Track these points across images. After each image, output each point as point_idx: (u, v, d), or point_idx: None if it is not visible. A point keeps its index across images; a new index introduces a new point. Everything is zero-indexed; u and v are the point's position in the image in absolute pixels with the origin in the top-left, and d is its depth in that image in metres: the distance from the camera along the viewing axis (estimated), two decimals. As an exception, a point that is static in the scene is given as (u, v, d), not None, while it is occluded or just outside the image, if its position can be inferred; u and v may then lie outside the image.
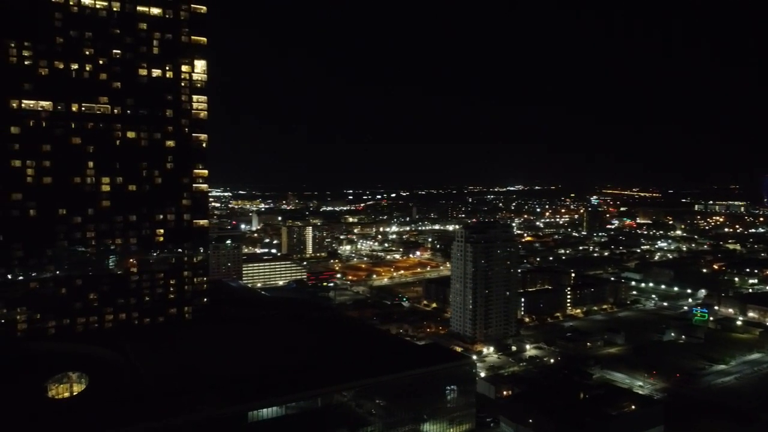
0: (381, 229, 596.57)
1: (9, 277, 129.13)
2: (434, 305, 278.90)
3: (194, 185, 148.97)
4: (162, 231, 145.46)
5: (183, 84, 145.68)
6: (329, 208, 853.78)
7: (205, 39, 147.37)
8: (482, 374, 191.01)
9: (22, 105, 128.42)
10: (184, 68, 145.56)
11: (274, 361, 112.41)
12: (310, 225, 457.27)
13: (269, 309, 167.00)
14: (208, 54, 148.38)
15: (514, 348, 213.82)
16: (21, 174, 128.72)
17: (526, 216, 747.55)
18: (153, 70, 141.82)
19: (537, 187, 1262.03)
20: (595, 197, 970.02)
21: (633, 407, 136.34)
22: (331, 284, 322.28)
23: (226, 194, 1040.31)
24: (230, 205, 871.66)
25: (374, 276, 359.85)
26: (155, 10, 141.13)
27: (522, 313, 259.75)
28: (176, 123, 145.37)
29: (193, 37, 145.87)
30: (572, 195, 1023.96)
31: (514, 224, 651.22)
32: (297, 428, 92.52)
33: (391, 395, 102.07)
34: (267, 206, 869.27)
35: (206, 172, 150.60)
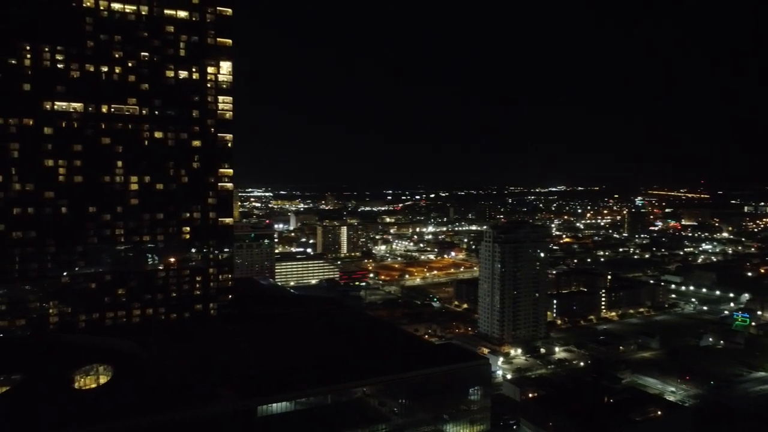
0: (417, 230, 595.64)
1: (42, 272, 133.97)
2: (465, 306, 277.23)
3: (219, 184, 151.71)
4: (188, 229, 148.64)
5: (209, 85, 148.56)
6: (367, 208, 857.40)
7: (230, 41, 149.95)
8: (509, 376, 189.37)
9: (55, 106, 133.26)
10: (210, 69, 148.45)
11: (289, 358, 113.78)
12: (345, 225, 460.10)
13: (293, 307, 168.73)
14: (235, 55, 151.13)
15: (543, 350, 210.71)
16: (53, 173, 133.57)
17: (565, 217, 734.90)
18: (180, 71, 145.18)
19: (580, 188, 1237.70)
20: (639, 198, 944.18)
21: (659, 413, 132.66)
22: (363, 284, 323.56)
23: (267, 194, 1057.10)
24: (270, 205, 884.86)
25: (407, 276, 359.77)
26: (182, 13, 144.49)
27: (554, 315, 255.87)
28: (202, 123, 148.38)
29: (218, 39, 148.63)
30: (615, 196, 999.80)
31: (552, 225, 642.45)
32: (307, 424, 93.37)
33: (403, 394, 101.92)
34: (306, 206, 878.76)
35: (231, 171, 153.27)
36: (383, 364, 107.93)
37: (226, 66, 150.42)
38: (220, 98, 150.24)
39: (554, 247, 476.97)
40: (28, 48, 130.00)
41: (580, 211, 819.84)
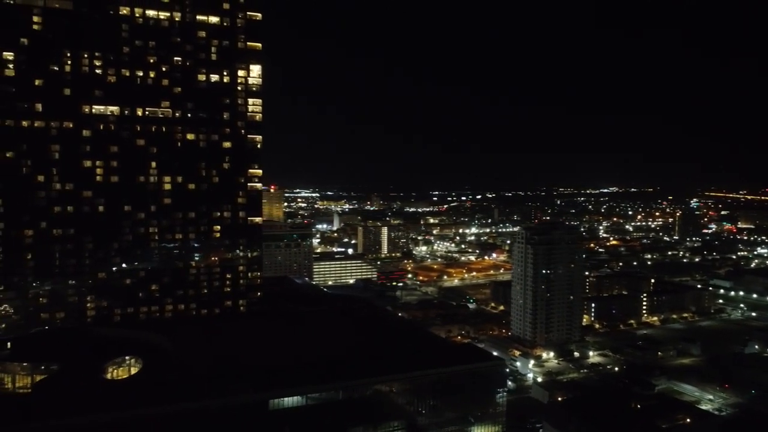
0: (460, 231, 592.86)
1: (81, 267, 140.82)
2: (501, 308, 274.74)
3: (249, 184, 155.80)
4: (218, 227, 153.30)
5: (239, 88, 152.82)
6: (412, 209, 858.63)
7: (259, 45, 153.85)
8: (539, 379, 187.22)
9: (93, 110, 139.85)
10: (240, 73, 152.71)
11: (308, 353, 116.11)
12: (385, 225, 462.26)
13: (322, 305, 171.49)
14: (264, 58, 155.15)
15: (576, 354, 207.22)
16: (91, 173, 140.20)
17: (615, 219, 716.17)
18: (211, 75, 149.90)
19: (632, 190, 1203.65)
20: (695, 200, 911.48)
21: (687, 420, 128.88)
22: (401, 284, 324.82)
23: (314, 195, 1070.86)
24: (316, 206, 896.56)
25: (445, 277, 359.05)
26: (213, 19, 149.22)
27: (592, 318, 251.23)
28: (232, 125, 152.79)
29: (248, 43, 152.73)
30: (669, 198, 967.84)
31: (600, 227, 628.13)
32: (318, 418, 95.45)
33: (414, 392, 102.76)
34: (351, 207, 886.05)
35: (260, 171, 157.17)
36: (396, 362, 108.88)
37: (255, 69, 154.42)
38: (250, 101, 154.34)
39: (600, 250, 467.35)
40: (68, 55, 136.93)
41: (630, 212, 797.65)
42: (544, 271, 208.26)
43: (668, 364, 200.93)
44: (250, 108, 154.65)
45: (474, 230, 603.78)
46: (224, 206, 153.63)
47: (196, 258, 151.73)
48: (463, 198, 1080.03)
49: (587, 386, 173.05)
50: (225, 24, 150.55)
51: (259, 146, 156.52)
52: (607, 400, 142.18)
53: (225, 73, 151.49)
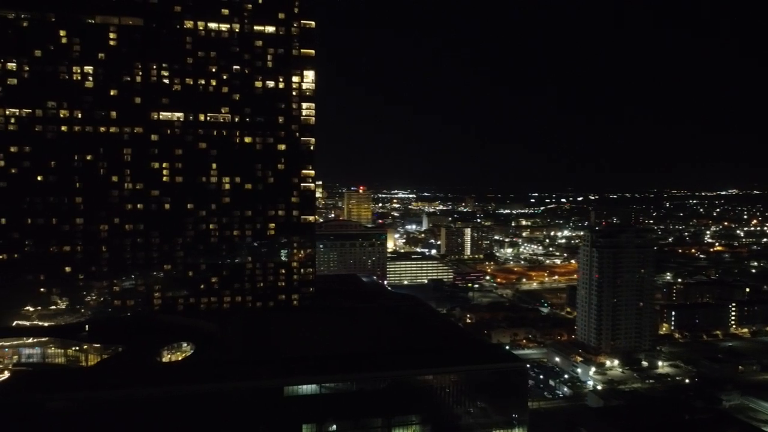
0: (551, 233, 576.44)
1: (148, 260, 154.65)
2: (576, 313, 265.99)
3: (303, 184, 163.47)
4: (273, 225, 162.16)
5: (293, 93, 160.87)
6: (506, 211, 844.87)
7: (313, 51, 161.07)
8: (599, 387, 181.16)
9: (160, 116, 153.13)
10: (295, 78, 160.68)
11: (340, 345, 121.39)
12: (468, 226, 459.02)
13: (377, 302, 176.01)
14: (317, 64, 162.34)
15: (645, 363, 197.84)
16: (158, 174, 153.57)
17: (726, 223, 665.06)
18: (267, 81, 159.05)
19: (755, 192, 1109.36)
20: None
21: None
22: (476, 285, 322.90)
23: (410, 196, 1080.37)
24: (410, 207, 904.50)
25: (524, 280, 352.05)
26: (270, 28, 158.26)
27: (672, 327, 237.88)
28: (287, 128, 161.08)
29: (302, 50, 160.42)
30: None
31: (708, 232, 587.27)
32: (330, 407, 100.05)
33: (427, 388, 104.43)
34: (445, 208, 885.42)
35: (313, 172, 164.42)
36: (417, 358, 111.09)
37: (309, 74, 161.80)
38: (304, 105, 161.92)
39: (700, 256, 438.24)
40: (139, 66, 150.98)
41: (746, 217, 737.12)
42: (610, 276, 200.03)
43: (748, 379, 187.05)
44: (304, 112, 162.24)
45: (566, 233, 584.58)
46: (279, 205, 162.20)
47: (253, 253, 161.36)
48: (563, 200, 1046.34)
49: (646, 397, 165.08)
50: (280, 32, 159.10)
51: (312, 148, 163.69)
52: (654, 411, 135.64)
53: (280, 79, 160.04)
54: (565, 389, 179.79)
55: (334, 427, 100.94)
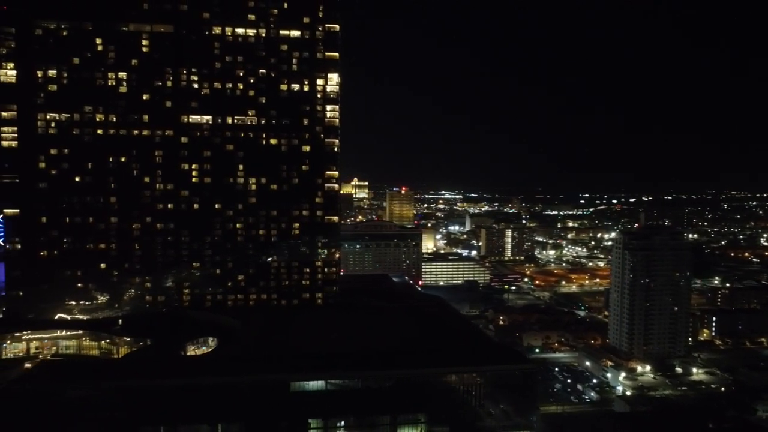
0: (598, 235, 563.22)
1: (178, 258, 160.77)
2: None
3: (326, 185, 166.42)
4: (298, 225, 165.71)
5: (318, 95, 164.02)
6: (553, 212, 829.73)
7: (337, 54, 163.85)
8: (629, 393, 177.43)
9: (190, 119, 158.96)
10: (319, 81, 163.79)
11: (353, 343, 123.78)
12: (508, 228, 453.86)
13: (403, 302, 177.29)
14: (341, 67, 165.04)
15: (679, 370, 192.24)
16: (188, 175, 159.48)
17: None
18: (292, 84, 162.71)
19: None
20: None
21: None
22: (513, 287, 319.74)
23: (456, 197, 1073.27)
24: (455, 207, 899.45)
25: (563, 282, 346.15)
26: (295, 33, 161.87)
27: (712, 333, 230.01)
28: (311, 130, 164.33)
29: (327, 54, 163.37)
30: None
31: (765, 236, 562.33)
32: (335, 404, 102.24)
33: (434, 388, 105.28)
34: (491, 209, 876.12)
35: (337, 173, 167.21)
36: (426, 357, 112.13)
37: (333, 77, 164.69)
38: (328, 107, 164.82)
39: (753, 260, 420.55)
40: (170, 71, 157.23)
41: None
42: (642, 280, 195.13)
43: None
44: (328, 114, 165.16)
45: (613, 235, 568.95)
46: (303, 205, 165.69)
47: (278, 252, 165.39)
48: (614, 201, 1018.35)
49: (675, 404, 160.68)
50: (305, 36, 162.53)
51: (336, 149, 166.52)
52: (678, 418, 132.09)
53: (305, 83, 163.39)
54: (592, 394, 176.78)
55: (342, 422, 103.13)
